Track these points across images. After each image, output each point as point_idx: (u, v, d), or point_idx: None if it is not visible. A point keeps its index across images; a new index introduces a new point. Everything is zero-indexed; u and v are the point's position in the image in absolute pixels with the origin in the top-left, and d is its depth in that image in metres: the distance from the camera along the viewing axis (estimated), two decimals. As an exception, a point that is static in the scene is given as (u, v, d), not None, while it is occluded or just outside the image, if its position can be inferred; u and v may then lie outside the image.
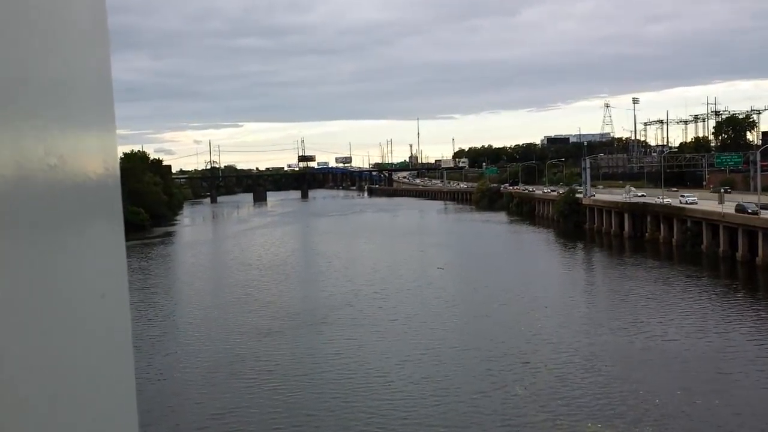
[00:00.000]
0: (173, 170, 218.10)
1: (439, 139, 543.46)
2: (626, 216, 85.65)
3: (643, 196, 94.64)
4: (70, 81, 0.96)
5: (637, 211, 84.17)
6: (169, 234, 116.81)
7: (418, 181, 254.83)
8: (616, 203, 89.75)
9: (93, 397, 0.97)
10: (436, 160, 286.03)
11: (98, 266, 1.02)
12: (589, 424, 25.06)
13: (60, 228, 0.91)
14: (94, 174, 1.03)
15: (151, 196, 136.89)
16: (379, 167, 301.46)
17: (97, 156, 1.05)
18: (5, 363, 0.72)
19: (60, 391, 0.86)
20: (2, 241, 0.76)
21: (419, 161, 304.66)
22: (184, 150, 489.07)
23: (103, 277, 1.03)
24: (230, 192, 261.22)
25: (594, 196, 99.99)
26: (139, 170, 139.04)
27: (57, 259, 0.88)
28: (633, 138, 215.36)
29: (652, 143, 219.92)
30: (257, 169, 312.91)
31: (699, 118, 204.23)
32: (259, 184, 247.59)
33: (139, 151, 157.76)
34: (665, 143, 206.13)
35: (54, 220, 0.89)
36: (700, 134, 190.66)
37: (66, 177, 0.92)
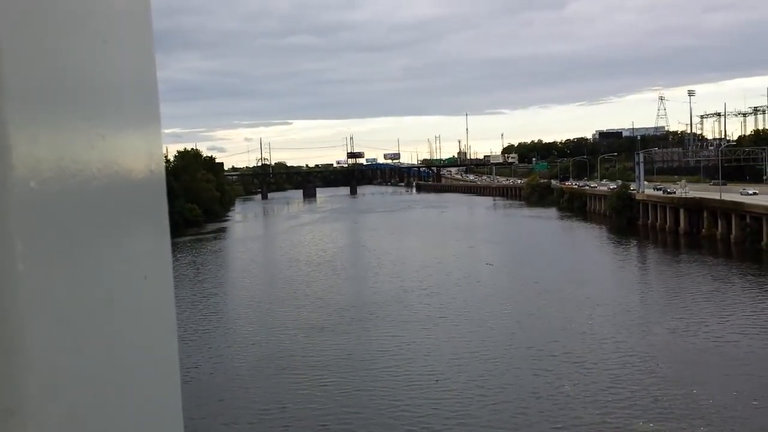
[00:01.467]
0: (225, 167, 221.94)
1: (487, 135, 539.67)
2: (681, 211, 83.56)
3: (755, 194, 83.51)
4: (114, 80, 0.97)
5: (693, 207, 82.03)
6: (222, 230, 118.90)
7: (471, 177, 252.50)
8: (671, 198, 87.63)
9: (137, 382, 1.00)
10: (485, 156, 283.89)
11: (142, 262, 1.04)
12: (641, 423, 24.64)
13: (106, 224, 0.93)
14: (139, 169, 1.05)
15: (204, 193, 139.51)
16: (428, 163, 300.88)
17: (143, 152, 1.07)
18: (51, 355, 0.74)
19: (105, 375, 0.89)
20: (52, 236, 0.77)
21: (468, 157, 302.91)
22: (236, 148, 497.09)
23: (147, 272, 1.05)
24: (280, 188, 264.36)
25: (675, 192, 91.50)
26: (193, 168, 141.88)
27: (102, 255, 0.90)
28: (689, 131, 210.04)
29: (709, 137, 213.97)
30: (307, 165, 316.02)
31: (759, 110, 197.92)
32: (308, 180, 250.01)
33: (192, 149, 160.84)
34: (723, 136, 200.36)
35: (100, 217, 0.91)
36: (760, 127, 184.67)
37: (112, 173, 0.94)
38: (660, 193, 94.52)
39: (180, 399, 1.18)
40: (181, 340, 39.19)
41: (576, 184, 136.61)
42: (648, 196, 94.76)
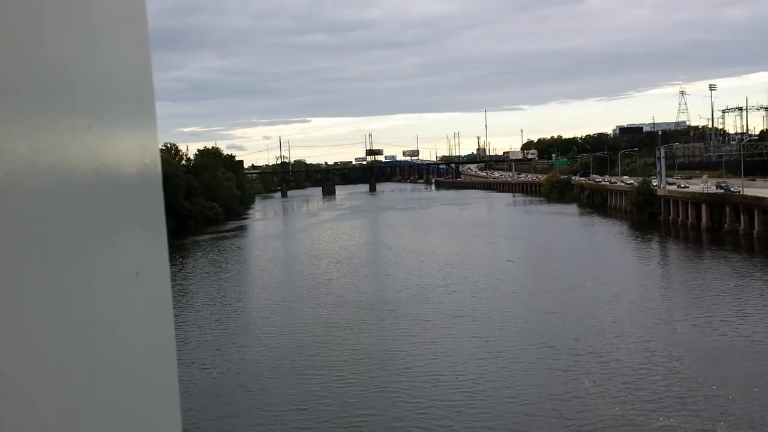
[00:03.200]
0: (245, 165, 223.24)
1: (506, 131, 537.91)
2: (703, 207, 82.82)
3: None
4: (107, 78, 0.95)
5: (716, 202, 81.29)
6: (242, 227, 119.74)
7: (498, 174, 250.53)
8: (693, 193, 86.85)
9: (131, 387, 0.97)
10: (504, 152, 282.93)
11: (138, 265, 1.01)
12: (661, 419, 24.65)
13: (99, 225, 0.90)
14: (134, 170, 1.02)
15: (225, 191, 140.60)
16: (447, 160, 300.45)
17: (138, 152, 1.04)
18: (37, 357, 0.72)
19: (98, 379, 0.86)
20: (43, 238, 0.75)
21: (487, 153, 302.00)
22: (255, 146, 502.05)
23: (142, 274, 1.01)
24: (300, 186, 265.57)
25: (739, 190, 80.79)
26: (213, 166, 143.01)
27: (96, 256, 0.88)
28: (710, 126, 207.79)
29: (731, 131, 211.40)
30: (326, 163, 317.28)
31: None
32: (327, 178, 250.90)
33: (213, 147, 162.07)
34: (745, 131, 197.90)
35: (93, 218, 0.88)
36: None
37: (105, 173, 0.91)
38: (721, 191, 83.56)
39: (179, 404, 1.14)
40: (202, 337, 39.74)
41: (609, 180, 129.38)
42: (669, 191, 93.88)
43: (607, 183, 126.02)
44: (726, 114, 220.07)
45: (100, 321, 0.88)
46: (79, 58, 0.87)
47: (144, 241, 1.05)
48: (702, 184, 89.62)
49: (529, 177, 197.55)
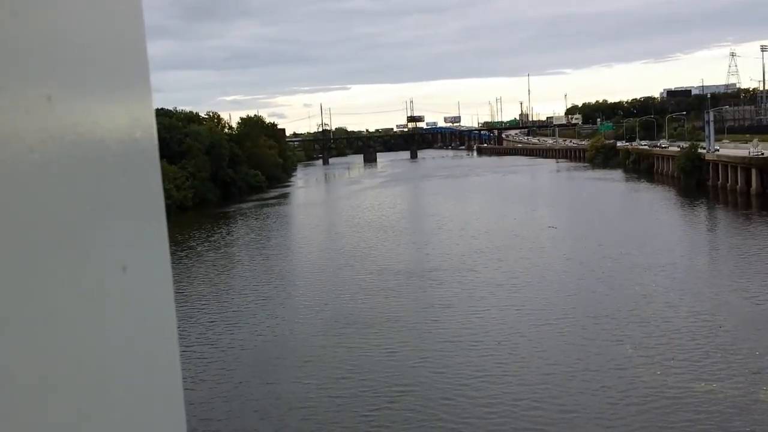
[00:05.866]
0: (286, 133, 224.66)
1: (550, 96, 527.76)
2: (753, 171, 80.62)
3: None
4: (98, 44, 0.87)
5: (766, 167, 79.05)
6: (285, 195, 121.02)
7: (550, 141, 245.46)
8: (743, 158, 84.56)
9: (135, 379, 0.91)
10: (547, 117, 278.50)
11: (127, 259, 0.92)
12: (703, 384, 24.56)
13: (89, 199, 0.83)
14: (128, 140, 0.94)
15: (267, 159, 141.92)
16: (489, 126, 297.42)
17: (131, 122, 0.95)
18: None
19: (93, 369, 0.81)
20: (26, 213, 0.70)
21: (530, 119, 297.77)
22: (295, 114, 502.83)
23: (132, 269, 0.92)
24: (341, 153, 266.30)
25: None
26: (256, 134, 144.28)
27: (76, 247, 0.80)
28: (761, 88, 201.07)
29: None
30: (367, 130, 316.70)
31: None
32: (369, 145, 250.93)
33: (255, 115, 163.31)
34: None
35: (82, 190, 0.81)
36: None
37: (97, 145, 0.85)
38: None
39: (183, 413, 1.06)
40: (246, 304, 40.67)
41: (680, 146, 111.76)
42: (718, 156, 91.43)
43: (677, 149, 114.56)
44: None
45: (84, 322, 0.80)
46: (59, 21, 0.79)
47: (135, 230, 0.95)
48: (752, 148, 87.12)
49: (567, 142, 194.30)
